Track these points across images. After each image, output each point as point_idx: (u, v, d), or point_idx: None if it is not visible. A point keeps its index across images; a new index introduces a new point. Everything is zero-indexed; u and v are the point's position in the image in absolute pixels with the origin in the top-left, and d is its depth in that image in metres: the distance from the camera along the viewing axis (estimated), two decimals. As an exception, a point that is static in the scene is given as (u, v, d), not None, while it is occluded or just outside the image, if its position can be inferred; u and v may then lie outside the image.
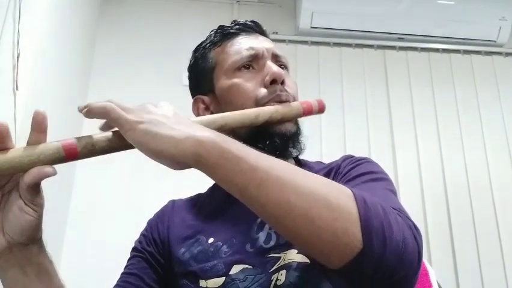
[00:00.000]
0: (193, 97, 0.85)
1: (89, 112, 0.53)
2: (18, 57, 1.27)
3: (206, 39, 0.85)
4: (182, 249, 0.73)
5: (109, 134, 0.54)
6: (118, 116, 0.51)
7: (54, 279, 0.60)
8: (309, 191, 0.47)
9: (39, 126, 0.53)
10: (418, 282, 0.91)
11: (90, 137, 0.53)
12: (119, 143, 0.53)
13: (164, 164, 0.50)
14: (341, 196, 0.48)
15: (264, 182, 0.47)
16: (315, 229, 0.46)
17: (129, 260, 0.79)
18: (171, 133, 0.49)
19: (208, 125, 0.61)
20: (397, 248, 0.47)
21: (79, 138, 0.52)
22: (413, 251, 0.48)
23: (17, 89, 1.27)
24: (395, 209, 0.52)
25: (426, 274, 0.93)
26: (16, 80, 1.27)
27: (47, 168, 0.50)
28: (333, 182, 0.52)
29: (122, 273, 0.77)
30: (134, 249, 0.80)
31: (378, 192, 0.61)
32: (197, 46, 0.86)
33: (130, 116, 0.51)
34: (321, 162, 0.83)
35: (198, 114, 0.82)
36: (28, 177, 0.50)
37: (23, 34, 1.28)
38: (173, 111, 0.54)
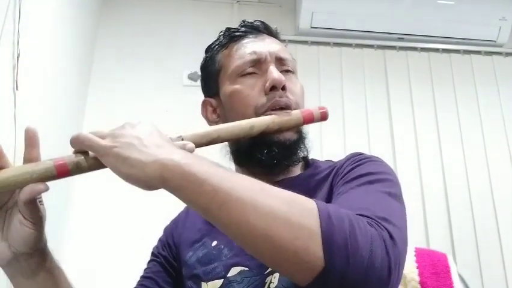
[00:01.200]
0: (204, 98, 0.85)
1: (72, 144, 0.56)
2: (18, 57, 1.27)
3: (216, 40, 0.84)
4: (190, 253, 0.76)
5: None
6: (91, 144, 0.54)
7: (64, 285, 0.64)
8: (268, 211, 0.47)
9: (30, 142, 0.56)
10: (439, 280, 0.89)
11: (80, 155, 0.56)
12: None
13: (135, 186, 0.52)
14: (302, 213, 0.48)
15: (225, 203, 0.48)
16: (276, 248, 0.46)
17: (147, 264, 0.83)
18: (139, 157, 0.51)
19: (200, 139, 0.63)
20: (361, 264, 0.46)
21: (70, 157, 0.55)
22: (382, 265, 0.47)
23: (17, 89, 1.27)
24: (373, 217, 0.51)
25: (448, 271, 0.90)
26: (16, 80, 1.27)
27: (40, 186, 0.53)
28: (299, 197, 0.50)
29: (140, 277, 0.81)
30: (152, 254, 0.84)
31: (369, 196, 0.59)
32: (208, 46, 0.86)
33: (103, 142, 0.53)
34: (330, 160, 0.82)
35: (206, 117, 0.83)
36: (23, 194, 0.53)
37: (23, 34, 1.28)
38: (148, 132, 0.55)
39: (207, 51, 0.86)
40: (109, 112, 2.00)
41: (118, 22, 2.24)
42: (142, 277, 0.80)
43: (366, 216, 0.51)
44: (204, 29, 2.04)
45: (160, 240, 0.86)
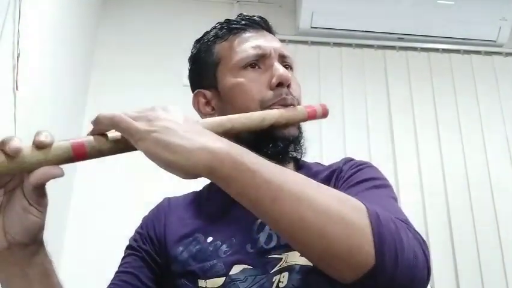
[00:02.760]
0: (193, 90, 0.83)
1: (98, 123, 0.52)
2: (18, 57, 1.27)
3: (210, 31, 0.83)
4: (180, 248, 0.72)
5: (118, 135, 0.53)
6: (128, 126, 0.50)
7: (54, 279, 0.59)
8: (323, 208, 0.47)
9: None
10: None
11: (99, 137, 0.51)
12: (127, 144, 0.52)
13: (174, 174, 0.48)
14: (354, 211, 0.48)
15: (278, 197, 0.47)
16: (329, 246, 0.46)
17: (124, 258, 0.77)
18: (183, 143, 0.47)
19: (216, 128, 0.59)
20: (408, 265, 0.47)
21: (87, 138, 0.51)
22: (423, 267, 0.49)
23: (17, 89, 1.27)
24: (403, 221, 0.52)
25: None
26: (16, 80, 1.27)
27: (55, 170, 0.48)
28: (346, 195, 0.51)
29: (117, 272, 0.75)
30: (129, 247, 0.78)
31: (383, 201, 0.61)
32: (200, 37, 0.84)
33: (139, 125, 0.49)
34: (319, 163, 0.82)
35: (197, 109, 0.81)
36: (34, 177, 0.48)
37: (23, 34, 1.28)
38: (183, 117, 0.52)
39: (198, 41, 0.84)
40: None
41: (118, 22, 2.24)
42: (121, 272, 0.74)
43: (399, 220, 0.52)
44: (204, 29, 2.03)
45: (138, 233, 0.79)
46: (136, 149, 0.52)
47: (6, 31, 1.22)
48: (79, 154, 0.49)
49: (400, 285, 0.47)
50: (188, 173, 0.48)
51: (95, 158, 0.51)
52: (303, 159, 0.81)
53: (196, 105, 0.82)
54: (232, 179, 0.47)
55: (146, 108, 0.52)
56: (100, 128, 0.52)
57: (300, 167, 0.80)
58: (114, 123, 0.51)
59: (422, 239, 0.52)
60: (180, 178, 0.49)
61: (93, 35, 2.14)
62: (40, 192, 0.50)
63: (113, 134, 0.52)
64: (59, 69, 1.70)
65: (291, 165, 0.80)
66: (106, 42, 2.18)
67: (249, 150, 0.50)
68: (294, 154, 0.76)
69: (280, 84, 0.73)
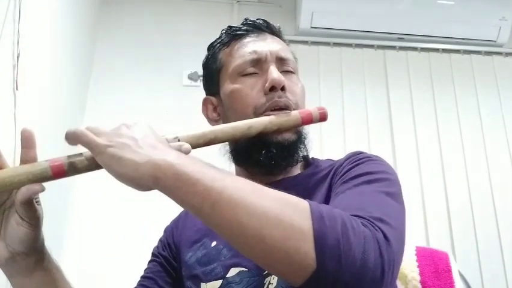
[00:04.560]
0: (205, 96, 0.85)
1: (67, 139, 0.56)
2: (18, 57, 1.27)
3: (218, 38, 0.84)
4: (190, 253, 0.76)
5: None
6: (88, 141, 0.54)
7: (62, 284, 0.64)
8: (260, 211, 0.47)
9: (27, 143, 0.57)
10: (439, 278, 0.88)
11: (76, 156, 0.56)
12: None
13: (128, 186, 0.53)
14: (295, 214, 0.48)
15: (217, 202, 0.48)
16: (268, 249, 0.46)
17: (147, 264, 0.83)
18: (133, 157, 0.52)
19: (197, 139, 0.63)
20: (354, 265, 0.46)
21: (65, 158, 0.56)
22: (375, 266, 0.47)
23: (17, 89, 1.27)
24: (368, 217, 0.51)
25: (449, 270, 0.90)
26: (16, 80, 1.27)
27: (35, 187, 0.54)
28: (292, 197, 0.50)
29: (141, 277, 0.81)
30: (152, 254, 0.85)
31: (365, 196, 0.59)
32: (210, 44, 0.86)
33: (99, 140, 0.54)
34: (330, 159, 0.81)
35: (206, 115, 0.83)
36: (19, 195, 0.54)
37: (23, 34, 1.28)
38: (143, 133, 0.55)
39: (209, 49, 0.85)
40: (109, 112, 2.00)
41: (118, 22, 2.24)
42: (142, 277, 0.81)
43: (360, 217, 0.51)
44: (204, 29, 2.05)
45: (160, 240, 0.86)
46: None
47: (6, 31, 1.22)
48: (57, 173, 0.55)
49: (347, 285, 0.45)
50: (137, 184, 0.52)
51: (73, 175, 0.57)
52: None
53: (205, 111, 0.84)
54: (175, 188, 0.50)
55: (115, 127, 0.57)
56: (69, 143, 0.56)
57: (309, 164, 0.81)
58: (76, 138, 0.55)
59: (385, 237, 0.50)
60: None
61: (93, 35, 2.14)
62: (28, 206, 0.56)
63: (88, 153, 0.56)
64: (59, 69, 1.70)
65: (299, 164, 0.80)
66: (106, 42, 2.18)
67: (198, 161, 0.52)
68: (294, 159, 0.75)
69: (273, 88, 0.73)
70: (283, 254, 0.46)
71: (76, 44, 1.89)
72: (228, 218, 0.47)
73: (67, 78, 1.80)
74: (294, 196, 0.51)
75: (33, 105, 1.42)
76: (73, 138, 0.55)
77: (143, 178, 0.51)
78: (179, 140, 0.61)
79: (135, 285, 0.80)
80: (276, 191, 0.51)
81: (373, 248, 0.48)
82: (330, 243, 0.46)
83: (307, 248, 0.45)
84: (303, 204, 0.49)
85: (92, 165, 0.56)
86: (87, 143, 0.54)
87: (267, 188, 0.51)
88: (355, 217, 0.50)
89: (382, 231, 0.50)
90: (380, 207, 0.56)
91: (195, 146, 0.61)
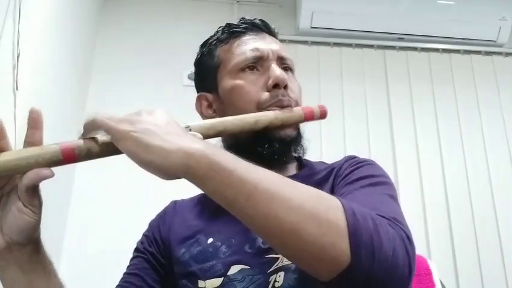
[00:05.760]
0: (197, 93, 0.85)
1: (84, 126, 0.54)
2: (18, 57, 1.27)
3: (213, 36, 0.84)
4: (183, 250, 0.74)
5: (107, 138, 0.54)
6: (109, 127, 0.52)
7: (54, 279, 0.60)
8: (297, 205, 0.47)
9: (34, 123, 0.54)
10: (421, 282, 0.91)
11: (88, 140, 0.53)
12: (115, 147, 0.53)
13: (154, 174, 0.50)
14: (329, 209, 0.48)
15: (252, 195, 0.47)
16: (303, 243, 0.46)
17: (131, 260, 0.80)
18: (161, 144, 0.49)
19: (207, 130, 0.62)
20: (386, 261, 0.46)
21: (77, 142, 0.53)
22: (403, 264, 0.48)
23: (17, 89, 1.27)
24: (388, 217, 0.52)
25: (430, 274, 0.93)
26: (16, 80, 1.27)
27: (45, 171, 0.51)
28: (323, 193, 0.51)
29: (124, 274, 0.77)
30: (136, 249, 0.80)
31: (375, 198, 0.60)
32: (204, 41, 0.86)
33: (121, 126, 0.51)
34: (323, 162, 0.83)
35: (200, 112, 0.83)
36: (26, 179, 0.51)
37: (23, 34, 1.28)
38: (166, 120, 0.54)
39: (203, 46, 0.86)
40: (109, 112, 2.00)
41: (118, 22, 2.24)
42: (127, 273, 0.77)
43: (381, 216, 0.52)
44: (204, 29, 2.02)
45: (145, 235, 0.82)
46: (121, 153, 0.53)
47: (6, 31, 1.22)
48: (68, 157, 0.51)
49: (378, 281, 0.46)
50: (166, 172, 0.49)
51: (84, 160, 0.53)
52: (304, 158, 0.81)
53: (199, 108, 0.84)
54: (207, 178, 0.48)
55: (134, 112, 0.55)
56: (88, 130, 0.54)
57: (303, 166, 0.81)
58: (95, 125, 0.53)
59: (407, 235, 0.51)
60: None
61: (93, 35, 2.14)
62: (33, 193, 0.53)
63: (103, 137, 0.54)
64: (59, 69, 1.70)
65: (294, 164, 0.81)
66: (106, 42, 2.18)
67: (226, 152, 0.51)
68: (295, 154, 0.76)
69: (276, 86, 0.74)
70: (318, 249, 0.46)
71: (76, 44, 1.89)
72: (263, 211, 0.47)
73: (67, 78, 1.80)
74: (324, 192, 0.51)
75: (33, 105, 1.42)
76: (91, 126, 0.53)
77: (173, 166, 0.48)
78: (190, 130, 0.60)
79: (119, 282, 0.76)
80: (305, 185, 0.51)
81: (400, 246, 0.49)
82: (364, 239, 0.46)
83: (343, 244, 0.46)
84: (335, 199, 0.50)
85: (106, 150, 0.53)
86: (108, 130, 0.52)
87: (295, 181, 0.51)
88: (379, 216, 0.51)
89: (403, 231, 0.51)
90: (391, 208, 0.58)
91: (205, 136, 0.61)
